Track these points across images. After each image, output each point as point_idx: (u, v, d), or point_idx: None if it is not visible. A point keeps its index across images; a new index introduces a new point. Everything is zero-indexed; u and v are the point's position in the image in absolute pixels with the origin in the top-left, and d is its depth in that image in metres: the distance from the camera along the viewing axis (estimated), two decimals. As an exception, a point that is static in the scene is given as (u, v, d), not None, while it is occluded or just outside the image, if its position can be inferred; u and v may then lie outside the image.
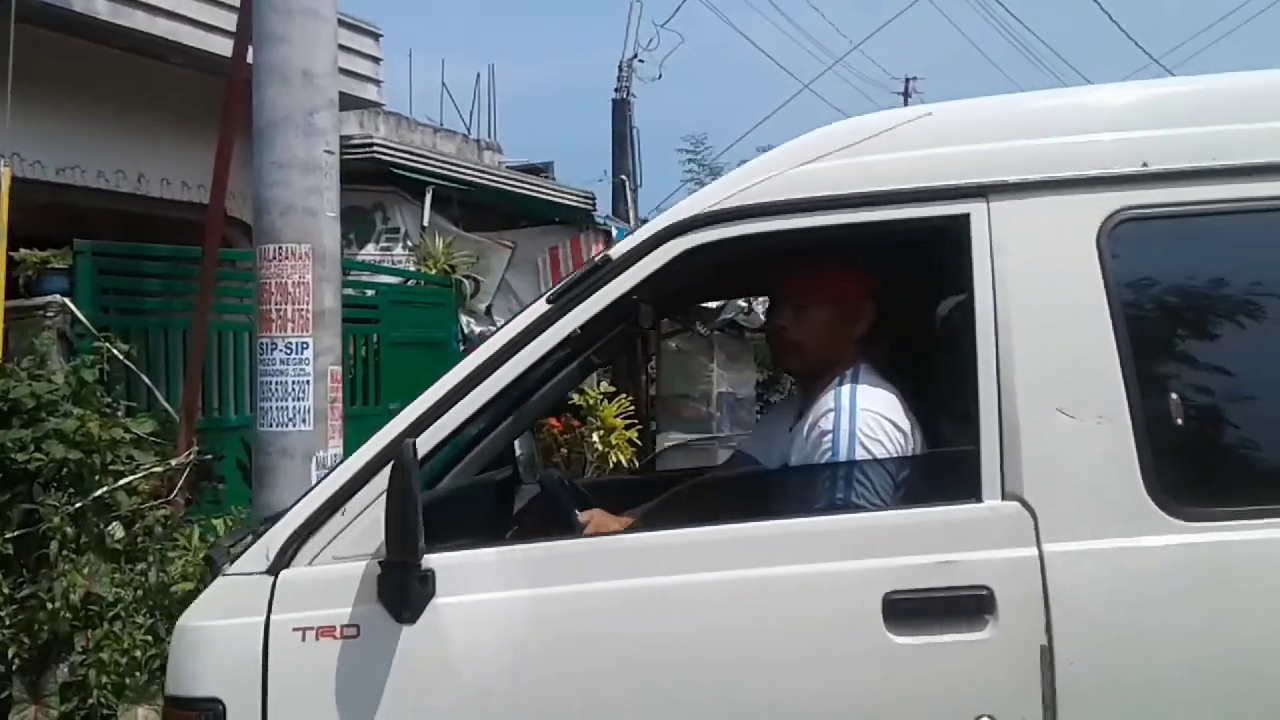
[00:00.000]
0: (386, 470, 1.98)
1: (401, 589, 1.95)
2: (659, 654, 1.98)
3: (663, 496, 2.40)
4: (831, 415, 2.27)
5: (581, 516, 2.42)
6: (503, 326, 2.20)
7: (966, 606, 1.95)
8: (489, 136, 13.25)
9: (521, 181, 11.08)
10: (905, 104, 23.21)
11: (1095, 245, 2.07)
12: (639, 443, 9.78)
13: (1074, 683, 1.92)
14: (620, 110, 15.34)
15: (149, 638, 4.20)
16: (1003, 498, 2.00)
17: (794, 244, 2.28)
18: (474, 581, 2.02)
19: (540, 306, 2.14)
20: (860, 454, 2.19)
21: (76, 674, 4.11)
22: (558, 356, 2.25)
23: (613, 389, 10.53)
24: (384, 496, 1.95)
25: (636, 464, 9.74)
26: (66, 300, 5.51)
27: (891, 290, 2.48)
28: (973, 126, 2.24)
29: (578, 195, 11.66)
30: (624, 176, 14.71)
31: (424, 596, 1.97)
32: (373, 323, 8.48)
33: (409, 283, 9.35)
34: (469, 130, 13.19)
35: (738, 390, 12.18)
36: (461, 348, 9.48)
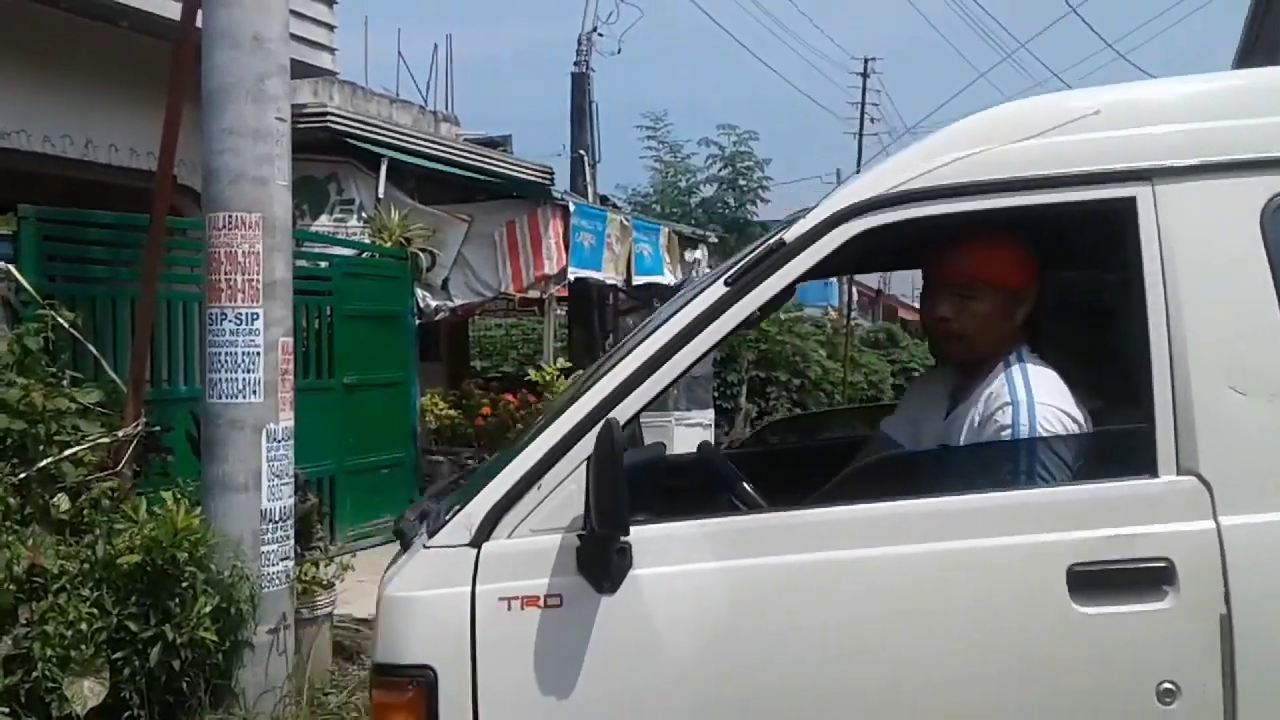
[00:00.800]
0: (579, 446, 2.06)
1: (603, 561, 2.02)
2: (857, 624, 2.05)
3: (845, 472, 2.39)
4: (1009, 409, 2.27)
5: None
6: (681, 308, 2.21)
7: (1147, 578, 2.02)
8: (446, 108, 13.15)
9: (479, 155, 10.99)
10: (864, 84, 23.18)
11: (1259, 226, 2.11)
12: (595, 419, 9.75)
13: (1253, 651, 1.99)
14: (579, 84, 15.23)
15: (94, 610, 4.13)
16: (1178, 473, 2.06)
17: (967, 227, 2.31)
18: (671, 554, 2.07)
19: (719, 289, 2.17)
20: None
21: (20, 647, 4.03)
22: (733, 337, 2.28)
23: (569, 365, 10.51)
24: (578, 471, 2.03)
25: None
26: (10, 267, 5.40)
27: (1050, 274, 2.49)
28: (1138, 111, 2.26)
29: (536, 170, 11.59)
30: (583, 151, 14.63)
31: (623, 568, 2.03)
32: (325, 295, 8.38)
33: (363, 255, 9.26)
34: (426, 102, 13.07)
35: (694, 368, 12.19)
36: (417, 321, 9.42)
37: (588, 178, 14.37)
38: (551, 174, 12.01)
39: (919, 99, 60.98)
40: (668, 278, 11.47)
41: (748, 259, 2.20)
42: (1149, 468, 2.08)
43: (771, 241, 2.20)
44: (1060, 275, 2.52)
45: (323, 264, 8.68)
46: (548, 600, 2.05)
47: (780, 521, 2.14)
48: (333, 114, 9.31)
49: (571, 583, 2.04)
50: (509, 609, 2.04)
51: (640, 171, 22.95)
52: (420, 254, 9.33)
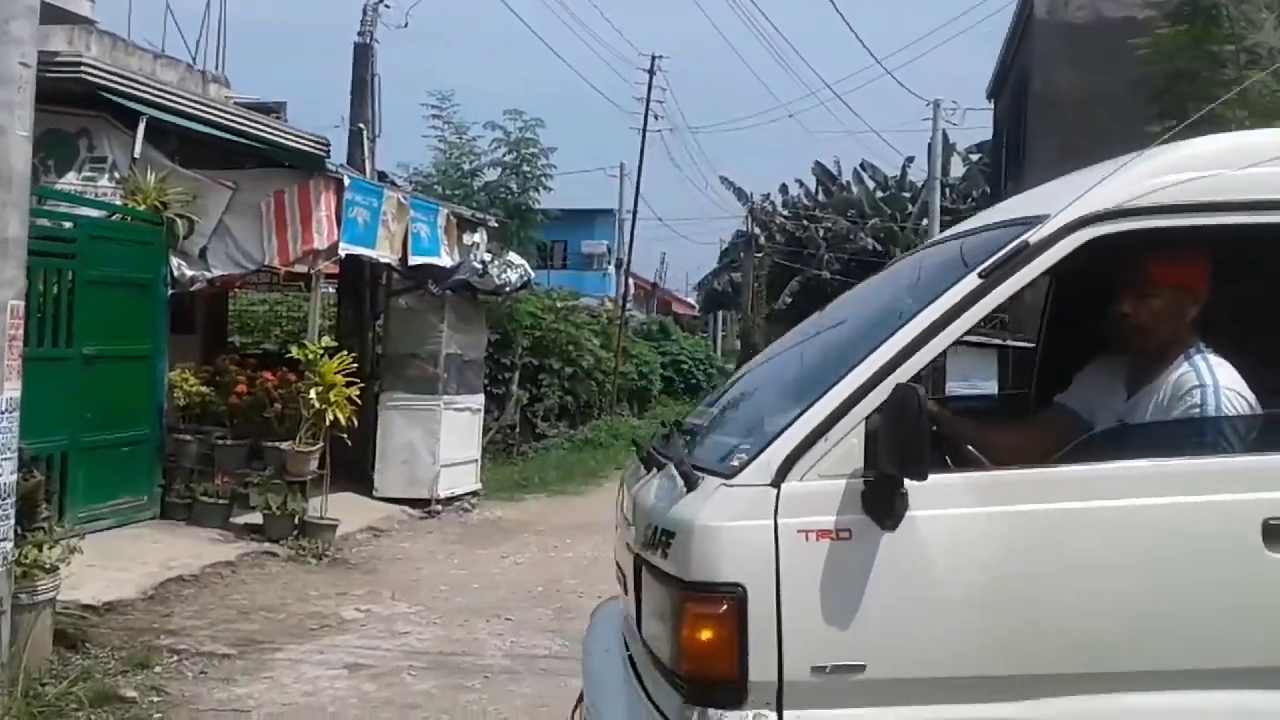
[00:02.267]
0: (860, 406, 2.45)
1: (888, 502, 2.40)
2: (1104, 563, 2.47)
3: (1077, 441, 2.77)
4: (1198, 391, 2.71)
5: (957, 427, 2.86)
6: (939, 296, 2.57)
7: None
8: (216, 69, 12.42)
9: (249, 120, 10.46)
10: (650, 81, 23.54)
11: None
12: (359, 401, 9.50)
13: None
14: (362, 55, 14.74)
15: None
16: None
17: (1172, 240, 2.70)
18: (943, 499, 2.45)
19: (974, 280, 2.55)
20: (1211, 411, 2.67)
21: None
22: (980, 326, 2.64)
23: (335, 344, 10.19)
24: (859, 427, 2.43)
25: (355, 423, 9.46)
26: None
27: (1229, 281, 2.89)
28: None
29: (310, 140, 11.15)
30: (362, 125, 14.18)
31: (902, 510, 2.41)
32: (68, 258, 7.82)
33: (113, 218, 8.67)
34: (194, 60, 12.32)
35: (467, 352, 12.08)
36: (170, 291, 8.91)
37: (366, 152, 13.93)
38: (327, 145, 11.59)
39: (701, 98, 62.37)
40: (444, 259, 11.27)
41: (999, 256, 2.57)
42: None
43: (1017, 243, 2.58)
44: (1243, 287, 2.94)
45: (66, 225, 8.08)
46: (839, 533, 2.42)
47: (1031, 477, 2.56)
48: (88, 65, 8.65)
49: (858, 520, 2.42)
50: (806, 539, 2.41)
51: (424, 151, 22.60)
52: (177, 220, 8.82)
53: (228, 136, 9.79)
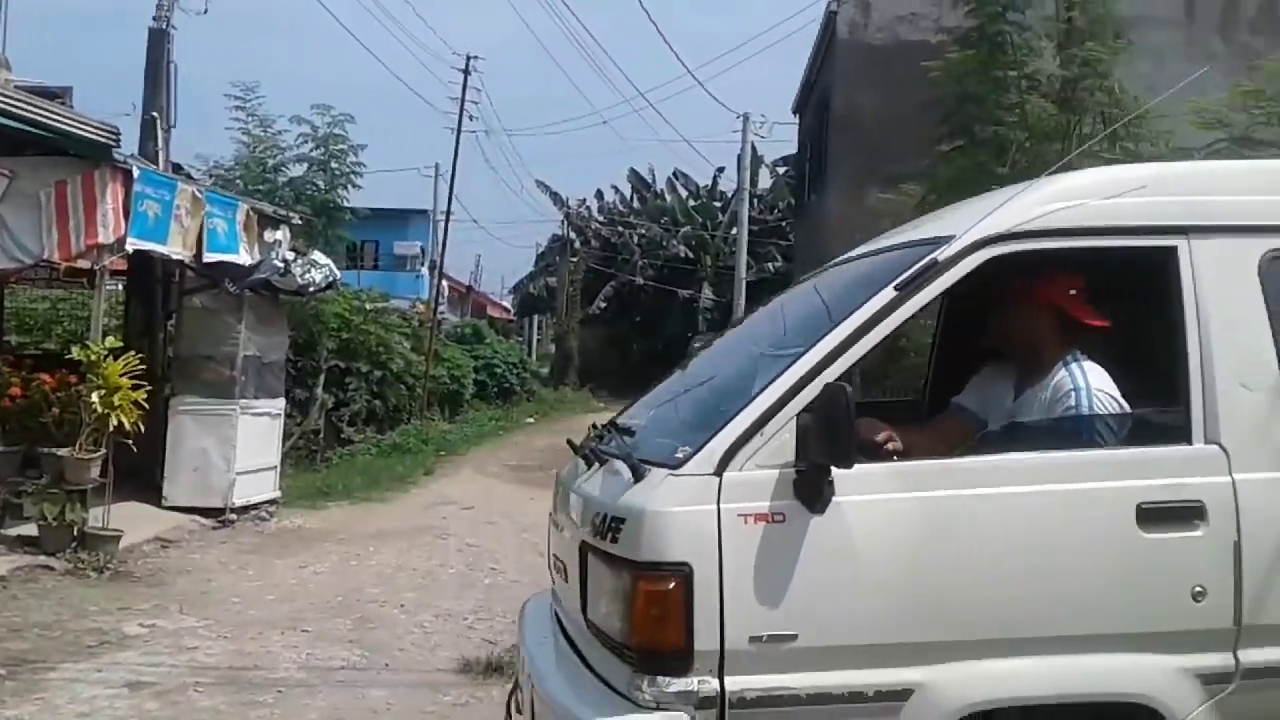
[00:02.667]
0: (791, 405, 2.76)
1: (817, 488, 2.70)
2: (1004, 539, 2.81)
3: (979, 435, 3.27)
4: (1074, 394, 3.11)
5: (881, 435, 3.19)
6: (860, 306, 2.90)
7: (1188, 513, 2.87)
8: (-8, 48, 11.53)
9: (29, 104, 9.73)
10: (465, 81, 23.23)
11: (1257, 274, 3.02)
12: (146, 405, 8.98)
13: (1253, 567, 2.86)
14: (157, 41, 13.95)
15: None
16: (1206, 442, 2.93)
17: (1058, 260, 3.13)
18: (865, 486, 2.77)
19: (890, 293, 2.89)
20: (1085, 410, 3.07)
21: None
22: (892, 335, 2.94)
23: (122, 345, 9.60)
24: (790, 423, 2.74)
25: (142, 428, 8.93)
26: None
27: (1100, 297, 3.29)
28: (1183, 185, 3.20)
29: (97, 128, 10.46)
30: (156, 114, 13.43)
31: (829, 495, 2.71)
32: None
33: None
34: (-33, 38, 11.39)
35: (266, 354, 11.60)
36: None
37: (159, 143, 13.19)
38: (116, 134, 10.85)
39: (517, 101, 62.16)
40: (243, 257, 10.77)
41: (912, 271, 2.91)
42: (1186, 438, 2.94)
43: (927, 260, 2.93)
44: (1112, 302, 3.30)
45: None
46: (774, 517, 2.71)
47: (941, 467, 2.92)
48: None
49: (791, 505, 2.72)
50: (745, 522, 2.70)
51: (226, 144, 21.56)
52: (-58, 209, 8.14)
53: (5, 121, 9.08)
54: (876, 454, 3.05)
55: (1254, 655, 2.85)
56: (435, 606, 7.59)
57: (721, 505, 2.71)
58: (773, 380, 2.83)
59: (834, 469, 2.71)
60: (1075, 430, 3.07)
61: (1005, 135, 11.11)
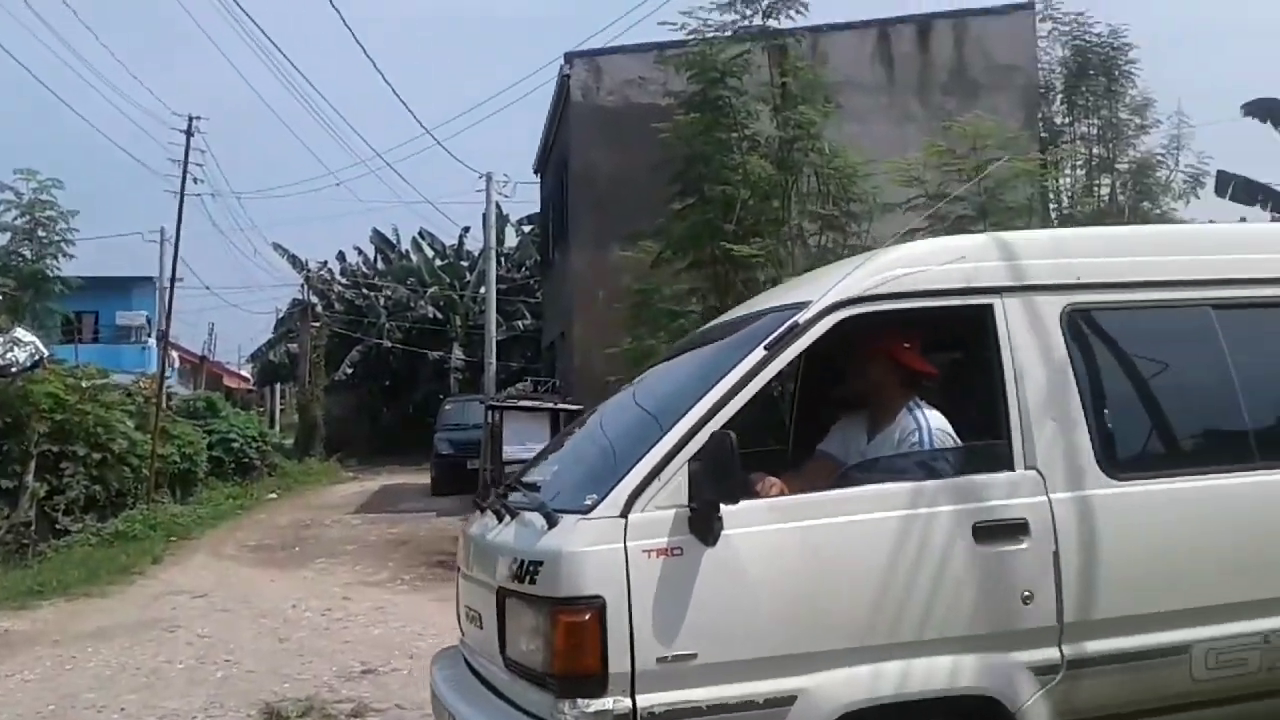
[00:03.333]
0: (681, 455, 3.15)
1: (709, 523, 3.07)
2: (862, 554, 3.25)
3: (843, 470, 3.64)
4: (917, 433, 3.62)
5: (774, 490, 3.49)
6: (736, 365, 3.37)
7: (1014, 529, 3.38)
8: None
9: None
10: (188, 143, 22.06)
11: (1060, 325, 3.60)
12: None
13: (1069, 572, 3.39)
14: None
15: None
16: (1025, 468, 3.46)
17: (905, 318, 3.61)
18: (750, 519, 3.17)
19: (760, 352, 3.34)
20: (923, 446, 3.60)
21: None
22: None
23: None
24: (682, 470, 3.14)
25: None
26: None
27: (936, 348, 3.88)
28: (995, 252, 3.73)
29: None
30: None
31: (719, 529, 3.09)
32: None
33: None
34: None
35: None
36: None
37: None
38: None
39: (247, 163, 59.99)
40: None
41: (778, 333, 3.38)
42: (1009, 465, 3.46)
43: (790, 323, 3.41)
44: (946, 352, 3.95)
45: None
46: (672, 550, 3.07)
47: (813, 499, 3.35)
48: None
49: (687, 539, 3.09)
50: (649, 557, 3.05)
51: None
52: None
53: None
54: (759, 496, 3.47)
55: (1075, 649, 3.38)
56: (160, 708, 6.99)
57: (628, 543, 3.09)
58: (666, 432, 3.25)
59: (723, 506, 3.13)
60: (920, 464, 3.55)
61: (731, 193, 11.63)
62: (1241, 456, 3.67)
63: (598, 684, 3.04)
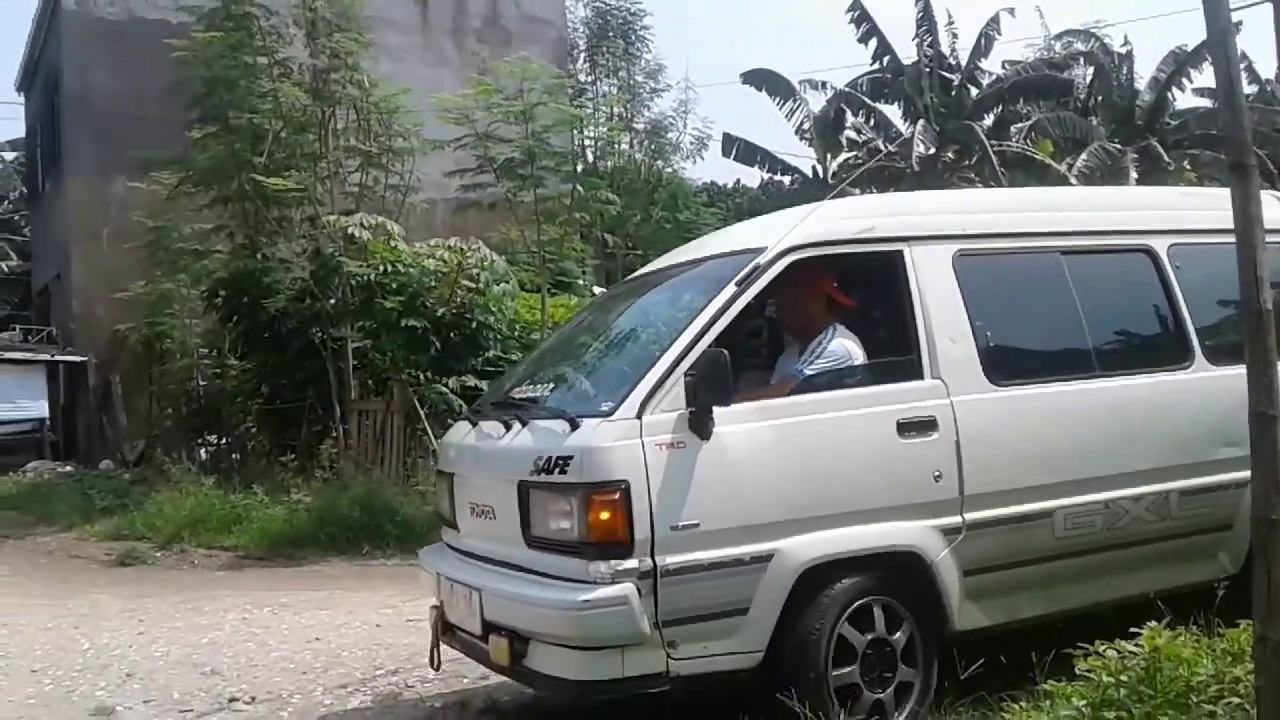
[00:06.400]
0: (682, 366, 3.88)
1: (705, 423, 3.83)
2: (826, 445, 4.07)
3: (801, 380, 4.29)
4: (837, 352, 4.31)
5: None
6: (713, 298, 4.10)
7: (927, 424, 4.16)
8: None
9: None
10: None
11: (952, 265, 4.41)
12: None
13: (969, 457, 4.18)
14: None
15: None
16: (933, 378, 4.24)
17: (839, 261, 4.43)
18: (737, 418, 3.92)
19: (732, 288, 4.09)
20: (845, 364, 4.36)
21: None
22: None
23: None
24: (682, 380, 3.85)
25: None
26: None
27: (865, 286, 4.61)
28: (904, 209, 4.76)
29: None
30: None
31: (711, 426, 3.84)
32: None
33: None
34: None
35: None
36: None
37: None
38: None
39: None
40: None
41: (744, 272, 4.12)
42: (921, 375, 4.24)
43: (753, 263, 4.15)
44: (874, 289, 4.57)
45: None
46: (675, 444, 3.81)
47: (785, 403, 4.10)
48: None
49: (688, 435, 3.84)
50: (660, 449, 3.79)
51: None
52: None
53: None
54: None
55: (972, 515, 4.22)
56: None
57: (644, 438, 3.77)
58: (665, 351, 3.97)
59: (715, 409, 3.83)
60: (857, 375, 4.34)
61: (261, 123, 10.80)
62: (1085, 368, 4.64)
63: (626, 549, 3.73)
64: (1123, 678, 3.15)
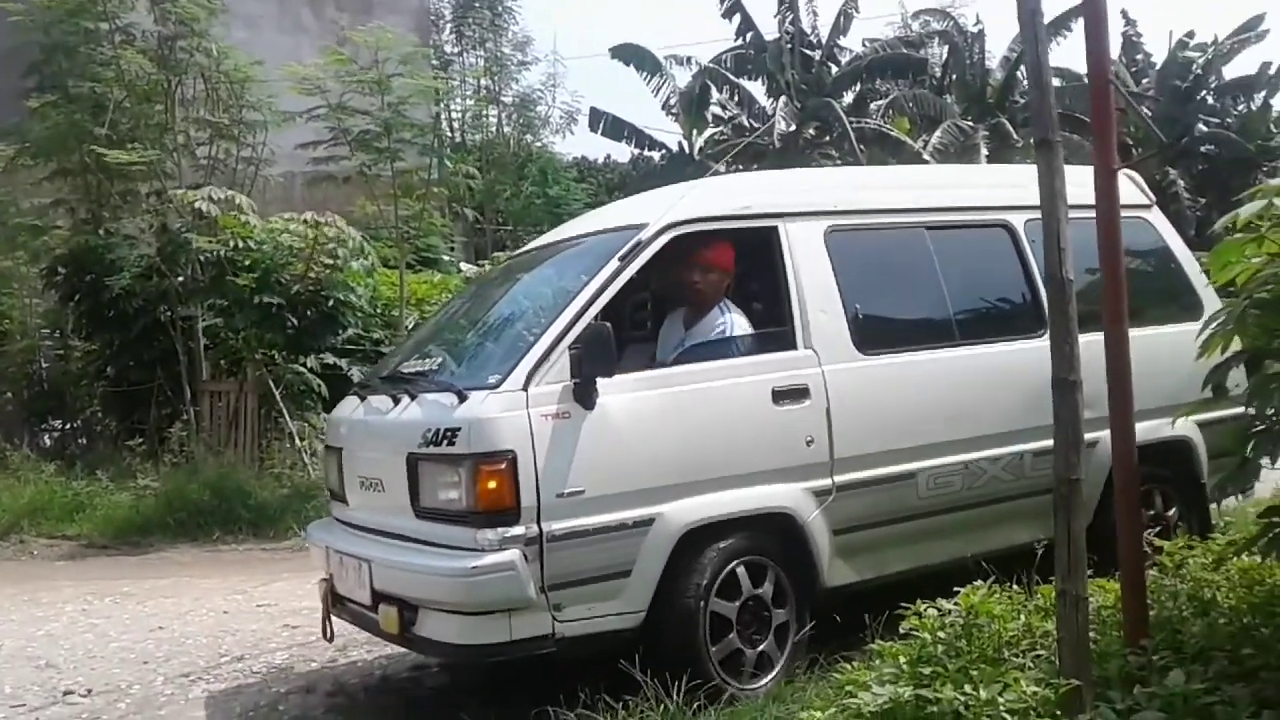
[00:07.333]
0: (566, 339, 3.99)
1: (589, 393, 3.95)
2: (707, 413, 4.21)
3: (678, 351, 4.54)
4: (724, 327, 4.54)
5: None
6: (598, 271, 4.22)
7: (800, 391, 4.35)
8: None
9: None
10: None
11: (824, 240, 4.60)
12: None
13: (838, 423, 4.38)
14: None
15: None
16: (805, 348, 4.43)
17: (717, 236, 4.58)
18: (618, 388, 4.04)
19: (615, 263, 4.21)
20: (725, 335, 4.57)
21: None
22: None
23: None
24: (567, 353, 3.96)
25: None
26: None
27: (742, 260, 4.73)
28: (779, 186, 5.03)
29: None
30: None
31: (596, 397, 3.96)
32: None
33: None
34: None
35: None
36: None
37: None
38: None
39: None
40: None
41: (627, 247, 4.26)
42: (794, 346, 4.41)
43: (635, 239, 4.30)
44: (750, 262, 4.67)
45: None
46: (560, 414, 3.92)
47: (665, 373, 4.31)
48: None
49: (573, 406, 3.95)
50: (545, 420, 3.90)
51: None
52: None
53: None
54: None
55: (842, 478, 4.41)
56: None
57: (530, 410, 3.86)
58: (549, 324, 4.06)
59: (599, 379, 3.94)
60: (735, 346, 4.51)
61: (103, 92, 10.31)
62: (947, 337, 4.85)
63: (513, 516, 3.82)
64: (940, 635, 3.27)
